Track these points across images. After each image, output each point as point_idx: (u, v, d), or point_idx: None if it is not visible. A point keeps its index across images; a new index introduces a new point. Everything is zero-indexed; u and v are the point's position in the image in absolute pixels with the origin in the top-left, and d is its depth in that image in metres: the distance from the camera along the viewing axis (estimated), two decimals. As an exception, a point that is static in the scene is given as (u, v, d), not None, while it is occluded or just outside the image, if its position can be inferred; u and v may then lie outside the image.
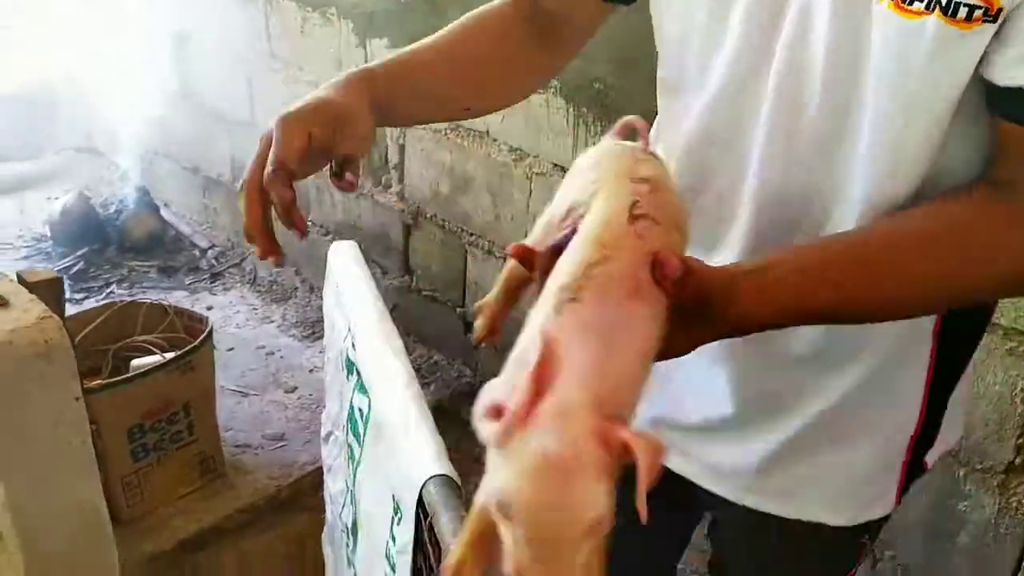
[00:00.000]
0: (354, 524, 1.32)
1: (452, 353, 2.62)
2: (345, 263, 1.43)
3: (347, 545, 1.42)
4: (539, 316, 0.61)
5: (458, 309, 2.57)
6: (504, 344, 0.69)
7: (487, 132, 2.25)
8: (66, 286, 3.14)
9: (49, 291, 1.47)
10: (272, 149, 0.79)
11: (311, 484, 2.13)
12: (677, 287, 0.63)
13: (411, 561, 0.99)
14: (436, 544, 0.89)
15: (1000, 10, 0.67)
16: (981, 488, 1.63)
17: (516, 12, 0.95)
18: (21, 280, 1.47)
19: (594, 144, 0.93)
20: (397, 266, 2.74)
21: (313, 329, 2.89)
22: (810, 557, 1.04)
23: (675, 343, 0.65)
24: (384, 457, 1.11)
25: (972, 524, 1.66)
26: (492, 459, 0.55)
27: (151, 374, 1.94)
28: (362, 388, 1.22)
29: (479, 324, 0.82)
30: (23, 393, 1.32)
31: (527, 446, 0.52)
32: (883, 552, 1.82)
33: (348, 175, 0.82)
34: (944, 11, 0.68)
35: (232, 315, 3.03)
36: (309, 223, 2.94)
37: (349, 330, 1.32)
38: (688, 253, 0.69)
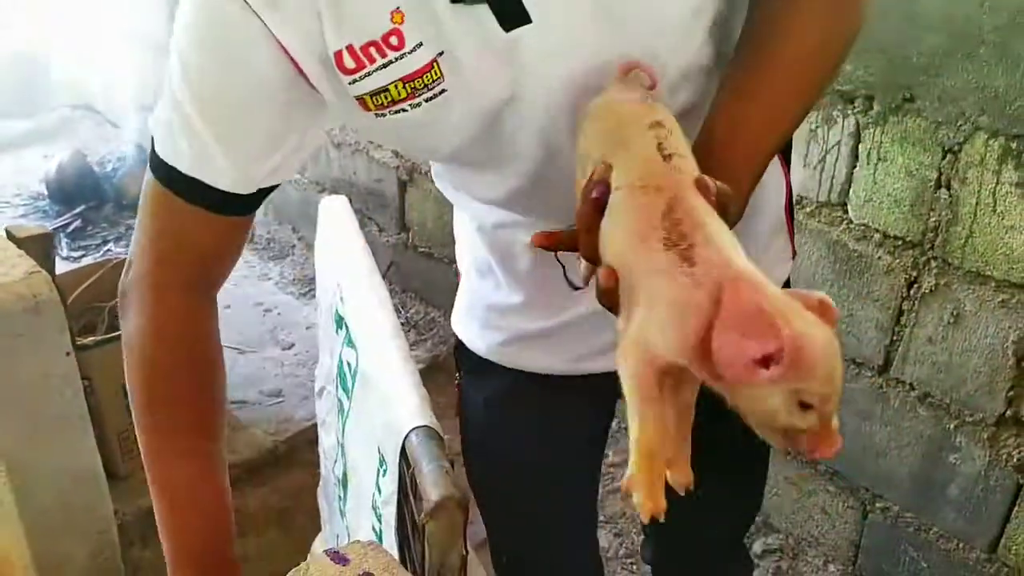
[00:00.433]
0: (344, 477, 1.33)
1: (449, 309, 2.63)
2: (335, 218, 1.42)
3: (339, 498, 1.43)
4: (662, 277, 0.59)
5: (454, 265, 2.56)
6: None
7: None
8: (64, 244, 3.14)
9: (38, 247, 1.47)
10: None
11: (307, 440, 2.14)
12: (719, 200, 0.64)
13: (396, 512, 1.00)
14: (418, 496, 0.90)
15: None
16: (971, 440, 1.63)
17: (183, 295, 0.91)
18: (9, 236, 1.47)
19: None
20: (393, 223, 2.73)
21: (310, 286, 2.89)
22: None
23: None
24: (370, 410, 1.12)
25: (962, 476, 1.67)
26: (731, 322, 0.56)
27: (146, 330, 1.94)
28: (350, 342, 1.23)
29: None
30: (12, 348, 1.32)
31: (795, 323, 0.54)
32: (874, 504, 1.84)
33: None
34: None
35: (229, 272, 3.03)
36: (305, 179, 2.94)
37: (339, 284, 1.32)
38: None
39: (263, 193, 0.87)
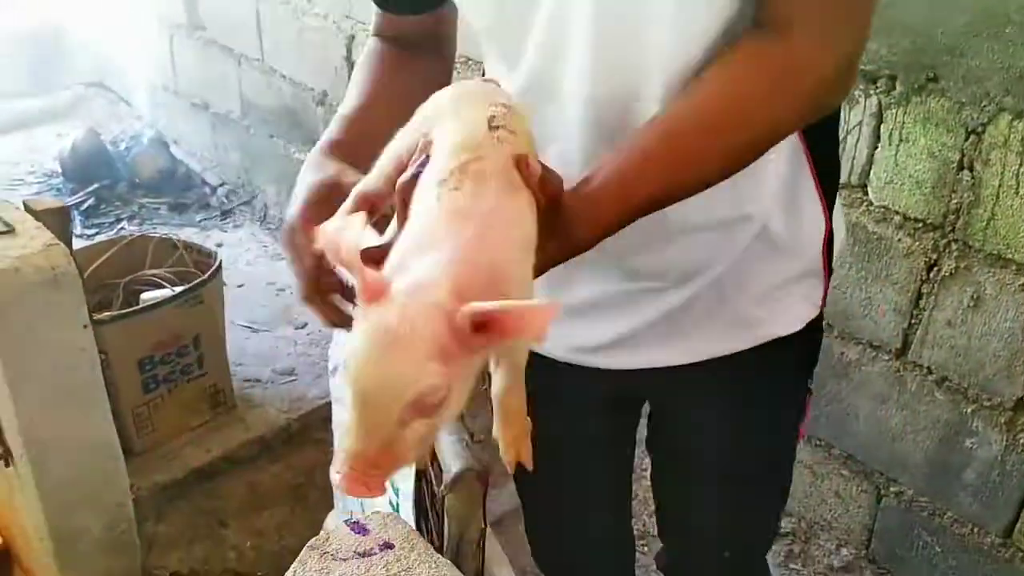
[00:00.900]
0: (360, 452, 1.33)
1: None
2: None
3: (354, 474, 1.43)
4: (419, 207, 0.62)
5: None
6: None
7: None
8: (77, 222, 3.15)
9: (56, 220, 1.47)
10: (296, 273, 0.79)
11: (320, 418, 2.15)
12: (542, 186, 0.65)
13: (414, 485, 1.00)
14: (438, 468, 0.90)
15: None
16: (988, 425, 1.62)
17: (386, 43, 0.99)
18: (27, 208, 1.47)
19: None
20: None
21: (324, 266, 2.89)
22: (759, 411, 1.05)
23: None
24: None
25: (978, 461, 1.66)
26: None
27: (160, 307, 1.95)
28: (367, 317, 1.22)
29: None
30: (31, 320, 1.33)
31: (371, 315, 0.54)
32: (888, 488, 1.83)
33: None
34: None
35: (242, 252, 3.04)
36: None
37: (355, 260, 1.32)
38: None
39: None
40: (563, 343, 1.03)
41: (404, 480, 1.03)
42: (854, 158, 1.63)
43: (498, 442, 0.67)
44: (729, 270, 0.94)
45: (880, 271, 1.67)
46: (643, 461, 1.34)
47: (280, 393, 2.26)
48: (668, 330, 0.98)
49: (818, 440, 1.92)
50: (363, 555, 0.79)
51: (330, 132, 0.92)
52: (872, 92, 1.57)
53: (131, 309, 1.94)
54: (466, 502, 0.84)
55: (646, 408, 1.21)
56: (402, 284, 0.55)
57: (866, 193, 1.64)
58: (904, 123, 1.54)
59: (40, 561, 1.60)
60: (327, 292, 0.75)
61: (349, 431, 0.55)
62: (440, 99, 0.72)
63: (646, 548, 1.97)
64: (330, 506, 1.72)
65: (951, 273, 1.57)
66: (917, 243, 1.60)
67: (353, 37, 2.59)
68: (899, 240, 1.62)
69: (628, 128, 0.80)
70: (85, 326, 1.39)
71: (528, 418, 0.69)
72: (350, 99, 0.95)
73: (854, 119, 1.61)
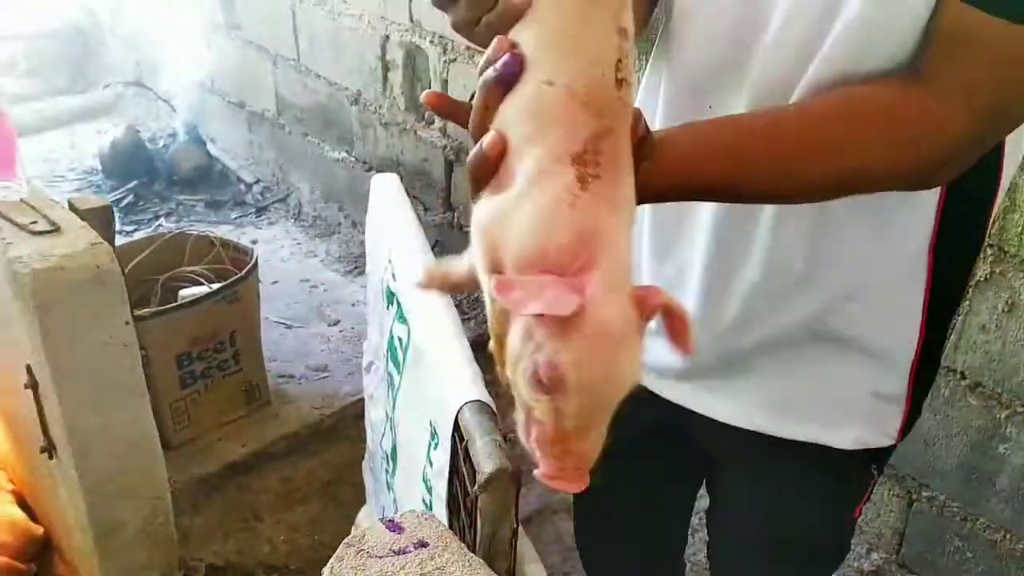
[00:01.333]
0: (393, 450, 1.36)
1: (493, 290, 2.64)
2: (387, 195, 1.44)
3: (386, 471, 1.45)
4: (554, 183, 0.55)
5: (499, 246, 2.57)
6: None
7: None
8: (116, 218, 3.21)
9: (99, 218, 1.50)
10: None
11: (353, 414, 2.18)
12: (638, 148, 0.61)
13: (447, 484, 1.02)
14: (471, 467, 0.91)
15: None
16: (1022, 431, 1.61)
17: None
18: (72, 207, 1.51)
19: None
20: (439, 202, 2.74)
21: (356, 264, 2.93)
22: (813, 490, 1.02)
23: None
24: (422, 384, 1.13)
25: (1012, 467, 1.65)
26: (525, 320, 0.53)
27: (198, 303, 1.99)
28: (402, 317, 1.24)
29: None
30: (75, 317, 1.36)
31: (586, 320, 0.51)
32: (920, 493, 1.82)
33: None
34: None
35: (277, 249, 3.08)
36: (352, 158, 2.96)
37: (390, 261, 1.33)
38: None
39: None
40: None
41: (437, 479, 1.05)
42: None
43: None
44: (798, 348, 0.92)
45: (914, 275, 1.66)
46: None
47: (314, 389, 2.29)
48: (723, 383, 0.97)
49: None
50: (398, 553, 0.81)
51: None
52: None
53: (170, 305, 1.98)
54: (499, 502, 0.85)
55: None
56: (598, 279, 0.52)
57: (900, 197, 1.64)
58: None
59: (80, 552, 1.64)
60: None
61: (562, 429, 0.53)
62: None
63: None
64: (362, 502, 1.74)
65: (986, 278, 1.56)
66: (952, 247, 1.59)
67: (388, 37, 2.62)
68: (933, 244, 1.62)
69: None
70: (127, 323, 1.42)
71: None
72: None
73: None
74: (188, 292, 2.10)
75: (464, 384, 0.98)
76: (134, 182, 3.39)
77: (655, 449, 1.14)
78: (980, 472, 1.70)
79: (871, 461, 1.01)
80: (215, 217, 3.30)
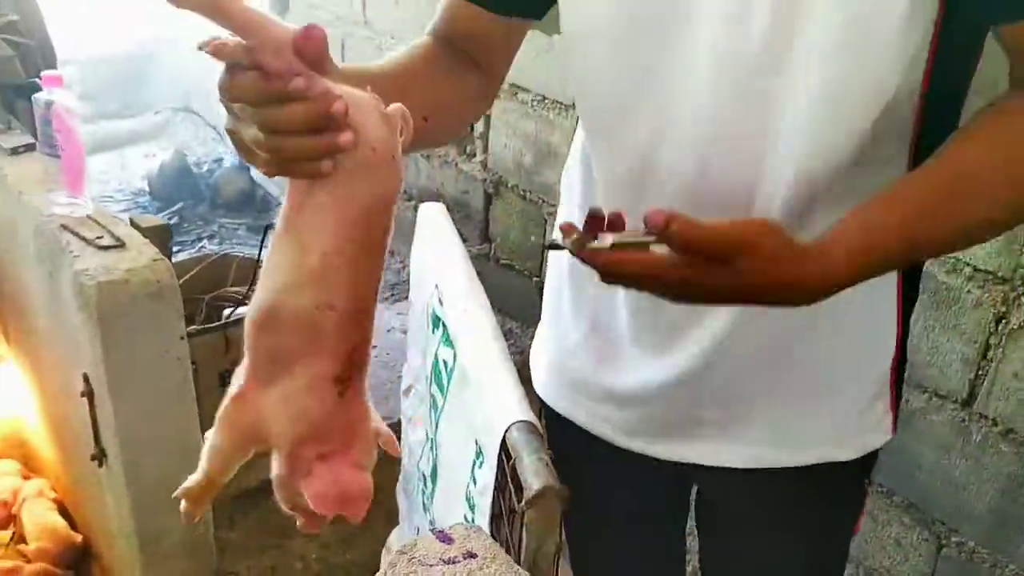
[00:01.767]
0: (433, 470, 1.39)
1: (527, 321, 2.68)
2: (434, 222, 1.49)
3: (423, 492, 1.48)
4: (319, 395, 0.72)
5: (534, 279, 2.62)
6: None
7: (572, 105, 2.28)
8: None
9: (158, 236, 1.57)
10: None
11: (387, 437, 2.21)
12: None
13: (491, 502, 1.05)
14: (518, 485, 0.94)
15: None
16: (1055, 480, 1.62)
17: (436, 41, 0.94)
18: (134, 224, 1.58)
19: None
20: (477, 234, 2.80)
21: (392, 291, 2.98)
22: (815, 512, 1.04)
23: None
24: (467, 405, 1.17)
25: (1043, 515, 1.65)
26: None
27: (241, 323, 2.04)
28: (448, 341, 1.28)
29: None
30: (136, 328, 1.42)
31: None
32: (949, 538, 1.83)
33: None
34: None
35: (316, 274, 3.14)
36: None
37: (436, 287, 1.38)
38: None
39: None
40: (620, 424, 1.05)
41: (481, 497, 1.08)
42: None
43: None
44: (792, 376, 0.94)
45: (948, 321, 1.68)
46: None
47: (349, 412, 2.33)
48: (721, 431, 0.98)
49: (880, 487, 1.92)
50: (448, 562, 0.85)
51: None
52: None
53: (216, 324, 2.04)
54: (545, 517, 0.89)
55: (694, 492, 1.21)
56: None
57: (936, 243, 1.66)
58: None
59: (121, 559, 1.69)
60: None
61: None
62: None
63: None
64: (393, 523, 1.77)
65: (1020, 326, 1.58)
66: (986, 295, 1.61)
67: (433, 73, 2.69)
68: (968, 291, 1.64)
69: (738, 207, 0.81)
70: (182, 337, 1.48)
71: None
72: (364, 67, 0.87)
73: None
74: (231, 312, 2.16)
75: (512, 405, 1.01)
76: (179, 204, 3.49)
77: (652, 504, 1.17)
78: (1010, 518, 1.70)
79: (867, 470, 1.04)
80: (255, 241, 3.37)
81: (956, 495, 1.78)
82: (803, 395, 0.96)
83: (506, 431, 0.99)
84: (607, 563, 1.23)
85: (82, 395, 1.50)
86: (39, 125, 1.54)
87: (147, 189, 3.59)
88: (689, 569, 1.45)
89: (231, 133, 0.66)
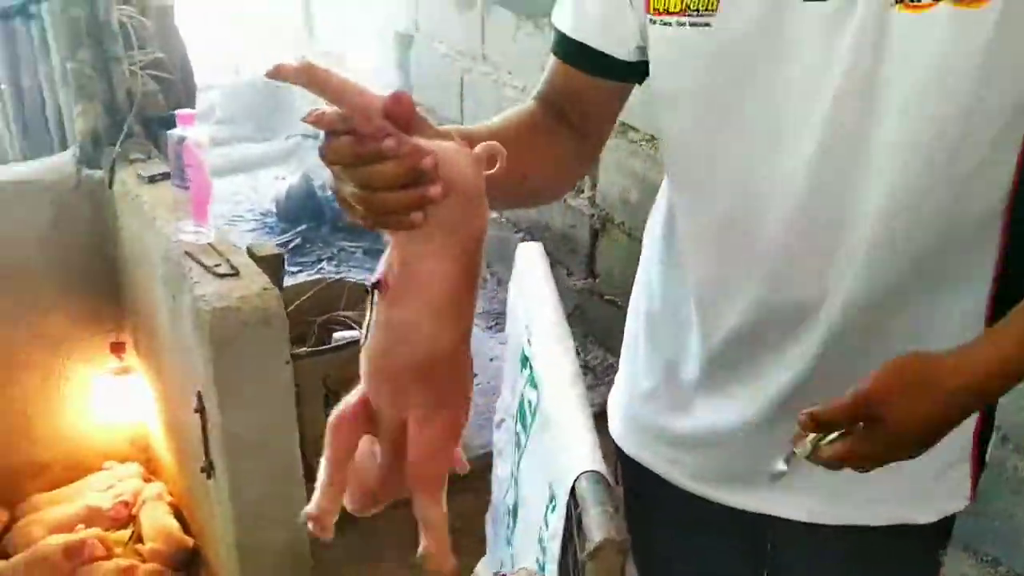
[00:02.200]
0: (515, 507, 1.42)
1: (627, 357, 2.68)
2: (531, 263, 1.52)
3: (507, 526, 1.51)
4: None
5: (637, 315, 2.62)
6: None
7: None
8: (284, 259, 3.47)
9: (271, 265, 1.67)
10: None
11: (481, 466, 2.23)
12: None
13: (560, 548, 1.07)
14: (582, 535, 0.96)
15: None
16: None
17: (539, 104, 0.97)
18: (250, 253, 1.68)
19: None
20: (582, 268, 2.82)
21: (497, 320, 3.03)
22: None
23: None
24: (546, 448, 1.20)
25: None
26: None
27: (350, 347, 2.13)
28: (534, 382, 1.31)
29: None
30: (244, 353, 1.52)
31: None
32: (996, 567, 1.73)
33: None
34: None
35: (426, 299, 3.23)
36: (504, 220, 3.09)
37: (527, 327, 1.41)
38: None
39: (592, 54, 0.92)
40: (691, 470, 1.05)
41: (551, 541, 1.11)
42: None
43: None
44: None
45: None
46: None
47: (447, 438, 2.38)
48: (786, 480, 0.95)
49: (985, 555, 1.83)
50: (509, 606, 0.87)
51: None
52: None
53: (324, 347, 2.14)
54: (606, 571, 0.90)
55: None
56: None
57: None
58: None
59: (226, 568, 1.79)
60: None
61: None
62: None
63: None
64: (482, 552, 1.81)
65: None
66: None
67: (546, 109, 2.75)
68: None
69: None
70: (287, 362, 1.57)
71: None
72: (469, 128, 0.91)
73: None
74: (342, 335, 2.25)
75: (583, 453, 1.03)
76: (303, 226, 3.65)
77: (726, 555, 1.14)
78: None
79: (943, 539, 1.01)
80: (372, 264, 3.48)
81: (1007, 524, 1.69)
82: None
83: (576, 479, 1.01)
84: None
85: (195, 411, 1.61)
86: (172, 158, 1.67)
87: (274, 210, 3.78)
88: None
89: (334, 190, 0.71)
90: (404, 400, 0.74)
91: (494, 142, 0.71)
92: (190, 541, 2.04)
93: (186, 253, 1.62)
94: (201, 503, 1.89)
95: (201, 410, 1.60)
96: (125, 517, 2.10)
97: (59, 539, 1.97)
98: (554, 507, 1.10)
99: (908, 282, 0.83)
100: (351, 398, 0.78)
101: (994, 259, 0.85)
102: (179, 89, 2.20)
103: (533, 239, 1.55)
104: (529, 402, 1.34)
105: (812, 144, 0.79)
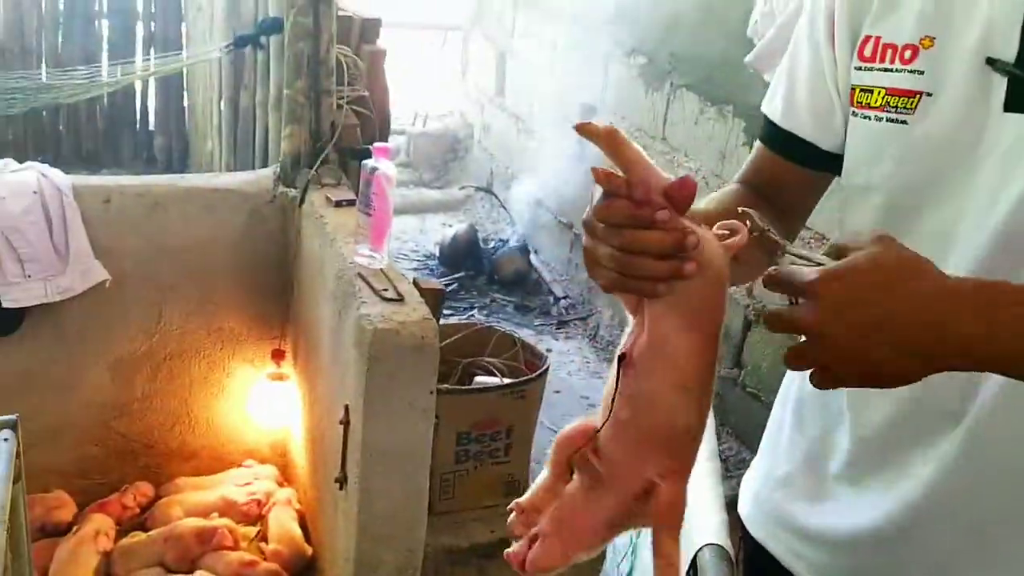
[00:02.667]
0: (629, 574, 1.42)
1: (762, 455, 2.62)
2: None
3: (618, 594, 1.51)
4: None
5: (779, 414, 2.56)
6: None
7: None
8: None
9: (433, 299, 1.76)
10: None
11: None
12: None
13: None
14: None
15: None
16: None
17: (743, 187, 1.00)
18: (415, 284, 1.78)
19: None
20: (729, 357, 2.79)
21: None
22: None
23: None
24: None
25: None
26: None
27: (489, 391, 2.19)
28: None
29: None
30: (395, 375, 1.59)
31: None
32: None
33: None
34: None
35: (567, 362, 3.27)
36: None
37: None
38: None
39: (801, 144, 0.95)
40: (807, 565, 1.00)
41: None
42: None
43: None
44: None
45: None
46: None
47: (566, 500, 2.39)
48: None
49: None
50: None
51: None
52: None
53: (465, 387, 2.21)
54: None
55: None
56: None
57: None
58: None
59: (338, 578, 1.85)
60: None
61: None
62: None
63: None
64: (585, 619, 1.79)
65: None
66: None
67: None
68: None
69: None
70: (432, 392, 1.63)
71: None
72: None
73: None
74: (482, 380, 2.33)
75: (710, 526, 1.03)
76: (462, 273, 3.79)
77: None
78: None
79: None
80: (520, 319, 3.58)
81: None
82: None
83: (699, 551, 1.01)
84: None
85: (340, 423, 1.69)
86: (361, 185, 1.79)
87: (437, 254, 3.94)
88: None
89: (586, 249, 0.75)
90: (643, 463, 0.77)
91: (741, 224, 0.74)
92: (309, 550, 2.12)
93: (358, 274, 1.73)
94: (327, 515, 1.97)
95: (346, 423, 1.68)
96: (255, 515, 2.21)
97: (194, 522, 2.09)
98: None
99: None
100: (579, 423, 0.83)
101: None
102: (375, 126, 2.37)
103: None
104: (660, 471, 1.34)
105: (981, 251, 0.79)
